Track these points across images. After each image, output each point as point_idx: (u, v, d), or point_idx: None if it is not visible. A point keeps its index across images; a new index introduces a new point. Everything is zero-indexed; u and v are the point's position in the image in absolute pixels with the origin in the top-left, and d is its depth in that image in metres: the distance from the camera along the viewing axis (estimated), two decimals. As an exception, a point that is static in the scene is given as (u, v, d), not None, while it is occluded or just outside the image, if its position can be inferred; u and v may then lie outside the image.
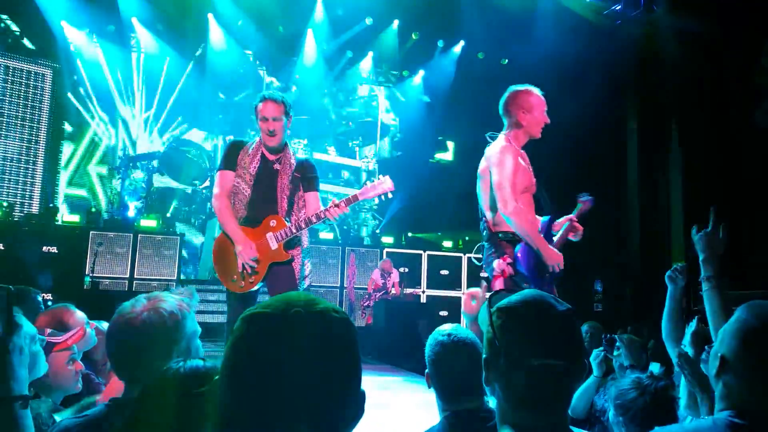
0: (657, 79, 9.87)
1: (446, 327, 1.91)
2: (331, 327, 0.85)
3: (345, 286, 10.32)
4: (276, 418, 0.78)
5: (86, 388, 2.27)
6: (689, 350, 2.54)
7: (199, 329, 1.54)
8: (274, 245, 3.42)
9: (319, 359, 0.81)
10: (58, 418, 1.64)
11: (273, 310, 0.84)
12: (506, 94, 3.44)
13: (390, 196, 3.57)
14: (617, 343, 3.49)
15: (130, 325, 1.42)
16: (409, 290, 9.81)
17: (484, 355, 1.22)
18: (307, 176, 3.60)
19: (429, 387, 1.89)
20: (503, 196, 3.13)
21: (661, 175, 10.25)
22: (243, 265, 3.41)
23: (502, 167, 3.19)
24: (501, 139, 3.36)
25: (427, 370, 1.89)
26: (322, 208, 3.44)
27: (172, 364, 1.25)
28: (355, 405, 0.86)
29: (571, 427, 1.17)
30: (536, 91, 3.43)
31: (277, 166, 3.53)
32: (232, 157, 3.53)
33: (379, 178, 3.56)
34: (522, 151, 3.40)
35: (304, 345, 0.81)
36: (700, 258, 2.03)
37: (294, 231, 3.42)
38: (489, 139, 3.44)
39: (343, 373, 0.85)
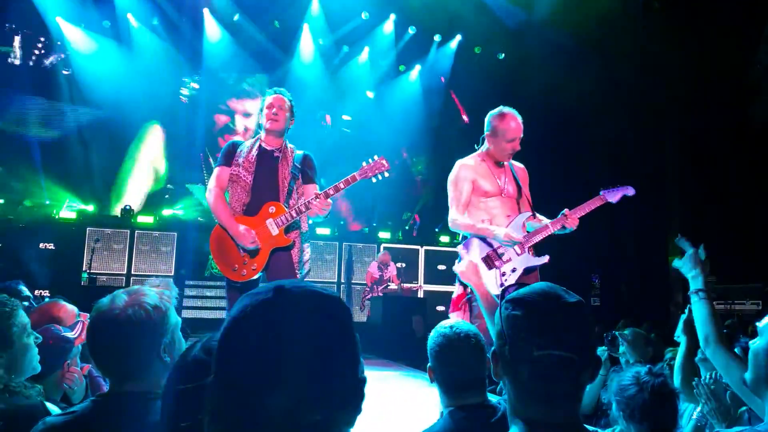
0: (654, 76, 9.87)
1: (448, 321, 1.94)
2: (321, 304, 0.84)
3: (342, 281, 10.32)
4: (267, 398, 0.77)
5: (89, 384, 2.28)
6: (681, 339, 2.56)
7: (180, 320, 1.52)
8: (275, 231, 3.44)
9: (310, 336, 0.80)
10: (49, 405, 1.63)
11: (264, 289, 0.84)
12: (488, 114, 3.56)
13: (387, 175, 3.54)
14: (619, 340, 3.49)
15: (115, 323, 1.39)
16: (407, 285, 9.81)
17: (492, 348, 1.20)
18: (307, 169, 3.63)
19: (432, 382, 1.90)
20: (450, 211, 3.56)
21: (657, 170, 10.26)
22: (243, 252, 3.41)
23: (450, 184, 3.57)
24: (471, 155, 3.61)
25: (429, 364, 1.89)
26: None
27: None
28: (354, 388, 0.83)
29: (585, 425, 1.13)
30: (511, 116, 3.47)
31: (277, 154, 3.57)
32: (230, 153, 3.57)
33: (375, 159, 3.54)
34: (501, 165, 3.58)
35: (294, 322, 0.80)
36: (690, 275, 2.21)
37: (294, 215, 3.45)
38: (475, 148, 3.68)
39: (337, 350, 0.83)
